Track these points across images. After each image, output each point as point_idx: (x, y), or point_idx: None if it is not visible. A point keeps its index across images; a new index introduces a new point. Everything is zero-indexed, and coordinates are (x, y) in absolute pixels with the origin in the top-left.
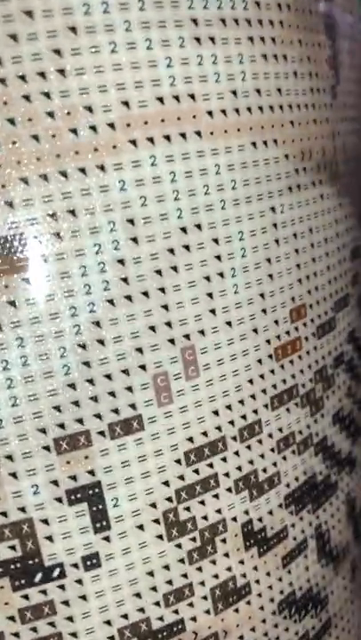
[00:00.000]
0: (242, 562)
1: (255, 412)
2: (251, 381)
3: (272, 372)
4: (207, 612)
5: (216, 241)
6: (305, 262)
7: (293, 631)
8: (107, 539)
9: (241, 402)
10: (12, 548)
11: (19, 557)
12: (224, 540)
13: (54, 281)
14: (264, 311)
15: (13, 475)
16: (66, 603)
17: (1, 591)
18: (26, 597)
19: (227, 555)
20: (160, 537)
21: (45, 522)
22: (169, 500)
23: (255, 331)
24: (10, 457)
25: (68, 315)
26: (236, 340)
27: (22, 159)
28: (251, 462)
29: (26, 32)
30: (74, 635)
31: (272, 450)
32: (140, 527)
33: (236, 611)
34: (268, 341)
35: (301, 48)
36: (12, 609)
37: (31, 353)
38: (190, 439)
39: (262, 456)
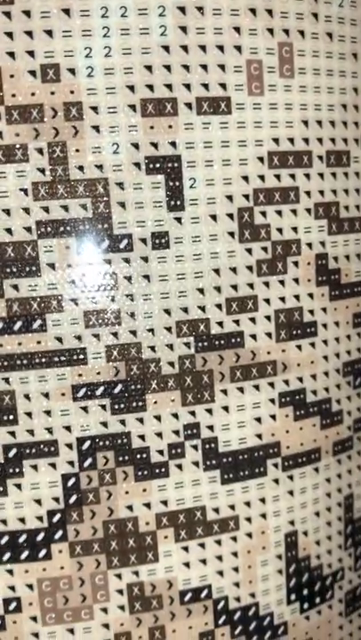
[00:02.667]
0: (311, 295)
1: None
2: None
3: None
4: (268, 335)
5: None
6: None
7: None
8: (179, 220)
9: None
10: (83, 207)
11: (89, 218)
12: (296, 264)
13: None
14: None
15: (96, 128)
16: (128, 279)
17: None
18: None
19: (296, 280)
20: (232, 234)
21: (121, 186)
22: (246, 197)
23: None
24: (95, 108)
25: None
26: (334, 56)
27: None
28: None
29: None
30: (133, 333)
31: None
32: (214, 217)
33: (299, 348)
34: None
35: None
36: None
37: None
38: (276, 140)
39: None
